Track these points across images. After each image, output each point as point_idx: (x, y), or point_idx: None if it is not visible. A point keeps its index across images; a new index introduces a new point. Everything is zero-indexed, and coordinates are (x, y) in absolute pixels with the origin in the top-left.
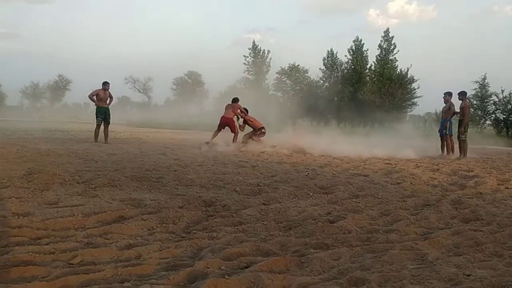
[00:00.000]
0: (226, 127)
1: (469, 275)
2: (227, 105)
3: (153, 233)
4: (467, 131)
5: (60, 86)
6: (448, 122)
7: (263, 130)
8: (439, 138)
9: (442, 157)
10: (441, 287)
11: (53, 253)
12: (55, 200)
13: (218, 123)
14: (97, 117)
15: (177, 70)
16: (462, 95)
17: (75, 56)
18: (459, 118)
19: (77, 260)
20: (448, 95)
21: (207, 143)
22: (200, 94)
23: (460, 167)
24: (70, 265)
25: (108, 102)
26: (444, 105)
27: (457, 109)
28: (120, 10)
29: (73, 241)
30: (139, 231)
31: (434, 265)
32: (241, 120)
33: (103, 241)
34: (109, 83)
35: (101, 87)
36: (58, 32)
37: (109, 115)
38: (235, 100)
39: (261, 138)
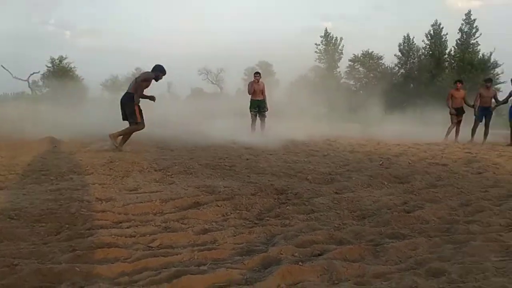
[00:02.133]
0: None
1: None
2: None
3: (227, 219)
4: None
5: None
6: None
7: None
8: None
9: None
10: None
11: (134, 237)
12: (134, 186)
13: None
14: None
15: (248, 60)
16: None
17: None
18: None
19: (156, 243)
20: None
21: None
22: (271, 83)
23: None
24: (150, 248)
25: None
26: None
27: None
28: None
29: (152, 225)
30: (214, 216)
31: None
32: None
33: (180, 226)
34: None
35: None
36: (136, 26)
37: (263, 107)
38: None
39: None
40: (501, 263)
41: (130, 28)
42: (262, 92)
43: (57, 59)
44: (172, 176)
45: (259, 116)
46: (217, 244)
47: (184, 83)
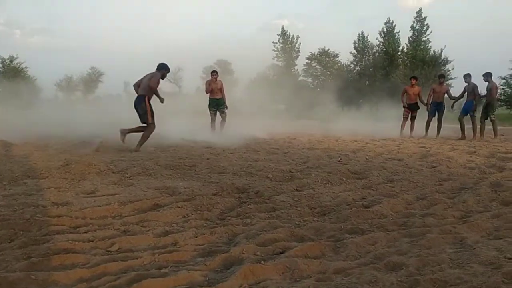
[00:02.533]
0: None
1: (510, 258)
2: None
3: (188, 220)
4: (495, 111)
5: (93, 78)
6: (475, 105)
7: None
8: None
9: (463, 139)
10: (481, 271)
11: (92, 241)
12: (92, 189)
13: None
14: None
15: (207, 59)
16: (488, 76)
17: (106, 48)
18: (487, 100)
19: (115, 247)
20: (468, 76)
21: None
22: (230, 81)
23: (498, 149)
24: (109, 253)
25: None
26: (467, 85)
27: (484, 91)
28: (148, 3)
29: (111, 229)
30: (175, 218)
31: (474, 248)
32: None
33: (139, 229)
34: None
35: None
36: (90, 25)
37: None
38: None
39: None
40: (456, 254)
41: (84, 27)
42: (221, 90)
43: (8, 59)
44: (131, 177)
45: (219, 115)
46: (178, 246)
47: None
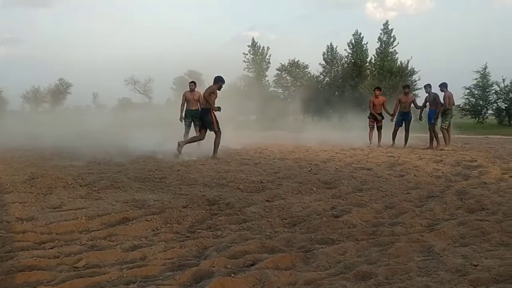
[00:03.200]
0: None
1: (476, 265)
2: None
3: (158, 233)
4: (448, 121)
5: (60, 90)
6: (438, 113)
7: None
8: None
9: (430, 148)
10: (448, 278)
11: (58, 257)
12: (58, 203)
13: None
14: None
15: (177, 70)
16: (443, 86)
17: (75, 59)
18: (444, 109)
19: (82, 263)
20: (429, 87)
21: None
22: (201, 92)
23: (464, 157)
24: (75, 269)
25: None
26: (428, 95)
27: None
28: (118, 12)
29: (78, 244)
30: (144, 232)
31: (441, 256)
32: None
33: (107, 244)
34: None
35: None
36: (59, 36)
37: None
38: None
39: None
40: (424, 262)
41: (52, 38)
42: (197, 101)
43: None
44: (99, 191)
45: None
46: (147, 261)
47: (111, 93)
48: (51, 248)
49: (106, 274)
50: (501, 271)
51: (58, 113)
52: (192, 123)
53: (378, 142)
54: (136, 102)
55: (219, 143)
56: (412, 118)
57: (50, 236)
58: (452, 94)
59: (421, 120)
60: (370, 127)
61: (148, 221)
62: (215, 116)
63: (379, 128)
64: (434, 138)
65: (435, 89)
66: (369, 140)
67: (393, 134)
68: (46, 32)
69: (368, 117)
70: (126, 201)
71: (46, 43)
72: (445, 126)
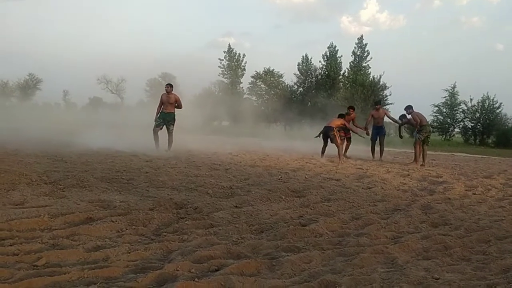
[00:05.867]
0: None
1: (437, 279)
2: None
3: (122, 235)
4: (423, 135)
5: (30, 85)
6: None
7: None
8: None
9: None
10: None
11: (17, 255)
12: (21, 200)
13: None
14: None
15: (151, 71)
16: (409, 108)
17: (47, 55)
18: (418, 127)
19: (42, 262)
20: (410, 108)
21: None
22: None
23: (430, 173)
24: (35, 267)
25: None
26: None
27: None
28: (94, 10)
29: (39, 243)
30: (108, 233)
31: (404, 268)
32: None
33: (69, 243)
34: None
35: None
36: (30, 31)
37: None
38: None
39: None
40: (387, 274)
41: (22, 32)
42: (173, 105)
43: None
44: (64, 189)
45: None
46: (109, 262)
47: (82, 92)
48: (11, 245)
49: (67, 274)
50: (462, 285)
51: (26, 108)
52: (165, 126)
53: (345, 152)
54: (108, 102)
55: (342, 151)
56: (386, 132)
57: (10, 233)
58: (419, 113)
59: (401, 137)
60: (341, 139)
61: (113, 222)
62: (338, 133)
63: (348, 140)
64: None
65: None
66: (344, 152)
67: (371, 149)
68: (17, 26)
69: (339, 131)
70: (92, 201)
71: (17, 37)
72: (419, 139)
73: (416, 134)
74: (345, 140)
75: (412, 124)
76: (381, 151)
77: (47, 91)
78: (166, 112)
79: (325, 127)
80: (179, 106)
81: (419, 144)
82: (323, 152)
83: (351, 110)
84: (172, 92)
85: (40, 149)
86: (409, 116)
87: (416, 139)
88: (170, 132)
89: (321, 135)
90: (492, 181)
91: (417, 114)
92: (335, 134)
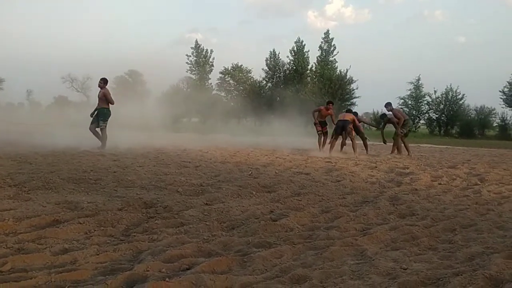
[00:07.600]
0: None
1: (406, 269)
2: None
3: (90, 236)
4: (405, 129)
5: None
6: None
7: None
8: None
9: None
10: (379, 281)
11: None
12: None
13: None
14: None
15: (117, 69)
16: (389, 105)
17: (8, 54)
18: (401, 121)
19: (7, 267)
20: (389, 105)
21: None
22: (142, 93)
23: (397, 164)
24: (0, 273)
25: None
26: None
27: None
28: (56, 6)
29: (3, 247)
30: (75, 235)
31: (373, 260)
32: None
33: (35, 247)
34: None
35: None
36: None
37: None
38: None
39: None
40: (357, 266)
41: None
42: (102, 99)
43: None
44: (29, 192)
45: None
46: (77, 265)
47: (46, 91)
48: None
49: (33, 278)
50: (429, 274)
51: None
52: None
53: (323, 146)
54: (73, 101)
55: (356, 146)
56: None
57: None
58: (399, 109)
59: (385, 143)
60: (318, 133)
61: (80, 223)
62: (352, 129)
63: (325, 134)
64: (403, 147)
65: (382, 109)
66: (319, 146)
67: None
68: None
69: (315, 124)
70: (58, 203)
71: None
72: (401, 133)
73: (399, 129)
74: (322, 135)
75: (393, 122)
76: (366, 146)
77: (10, 91)
78: (97, 108)
79: (340, 120)
80: (109, 101)
81: (401, 138)
82: (332, 146)
83: (330, 105)
84: (106, 87)
85: (3, 151)
86: (389, 114)
87: (398, 133)
88: (100, 128)
89: (336, 129)
90: (457, 171)
91: (398, 110)
92: (351, 127)
